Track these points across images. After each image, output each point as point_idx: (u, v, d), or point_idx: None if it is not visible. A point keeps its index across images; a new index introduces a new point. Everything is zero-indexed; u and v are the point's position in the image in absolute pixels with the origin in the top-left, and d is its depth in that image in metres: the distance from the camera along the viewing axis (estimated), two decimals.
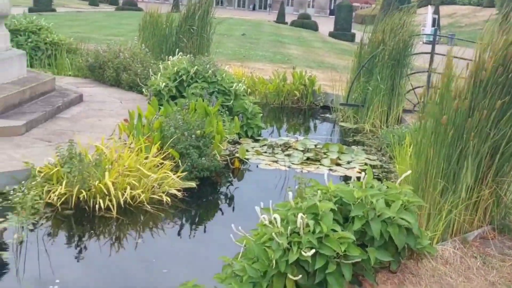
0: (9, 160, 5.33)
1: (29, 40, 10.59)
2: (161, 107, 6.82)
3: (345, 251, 3.00)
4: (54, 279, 3.57)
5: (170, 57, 8.87)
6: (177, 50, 9.49)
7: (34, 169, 4.96)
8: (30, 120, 6.46)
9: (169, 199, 5.01)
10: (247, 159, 6.54)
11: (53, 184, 4.84)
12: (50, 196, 4.70)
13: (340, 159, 6.80)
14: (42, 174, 4.92)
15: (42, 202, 4.62)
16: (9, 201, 4.56)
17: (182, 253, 4.29)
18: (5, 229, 4.27)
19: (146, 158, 5.30)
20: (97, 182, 4.73)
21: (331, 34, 32.45)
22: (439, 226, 4.14)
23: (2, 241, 4.09)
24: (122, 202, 4.73)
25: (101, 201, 4.65)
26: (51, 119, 6.99)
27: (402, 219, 3.24)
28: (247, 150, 6.74)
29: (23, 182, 4.80)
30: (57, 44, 10.87)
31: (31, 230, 4.29)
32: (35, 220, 4.41)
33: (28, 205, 4.42)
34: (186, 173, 5.49)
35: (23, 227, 4.27)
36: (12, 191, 4.65)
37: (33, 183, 4.77)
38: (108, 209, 4.65)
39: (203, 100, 6.81)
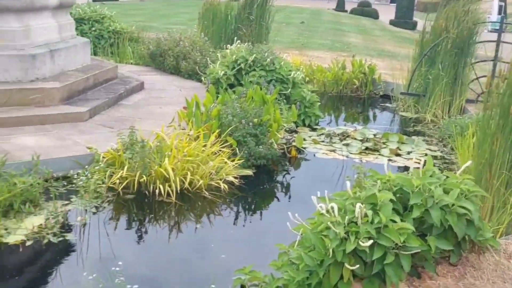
0: (74, 145, 5.51)
1: (93, 28, 10.91)
2: (219, 95, 6.88)
3: (404, 242, 2.94)
4: (116, 262, 3.67)
5: (229, 45, 8.92)
6: (235, 38, 9.52)
7: (97, 154, 5.11)
8: (93, 107, 6.66)
9: (226, 186, 5.05)
10: (304, 148, 6.51)
11: (115, 169, 4.98)
12: (112, 181, 4.83)
13: (400, 150, 6.67)
14: (105, 159, 5.07)
15: (105, 186, 4.76)
16: (74, 185, 4.73)
17: (239, 240, 4.34)
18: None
19: (205, 145, 5.37)
20: (157, 167, 4.83)
21: (391, 22, 31.73)
22: (503, 219, 4.00)
23: (67, 223, 4.24)
24: (180, 188, 4.82)
25: (161, 186, 4.75)
26: (114, 106, 7.18)
27: (462, 207, 3.14)
28: (304, 139, 6.71)
29: (86, 166, 4.96)
30: (120, 33, 11.15)
31: (94, 213, 4.43)
32: (98, 204, 4.56)
33: (91, 189, 4.58)
34: (243, 160, 5.52)
35: (86, 210, 4.42)
36: (76, 175, 4.82)
37: (96, 167, 4.93)
38: (167, 194, 4.75)
39: (261, 88, 6.82)
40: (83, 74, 7.29)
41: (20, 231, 4.01)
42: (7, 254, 3.77)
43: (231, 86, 7.71)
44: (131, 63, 10.56)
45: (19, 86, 6.37)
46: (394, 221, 3.02)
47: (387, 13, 35.08)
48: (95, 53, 10.35)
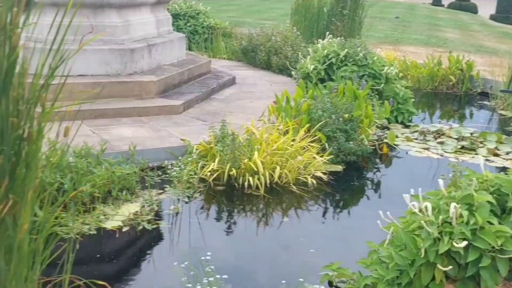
0: (168, 137, 5.71)
1: (188, 24, 11.23)
2: (309, 89, 6.85)
3: (501, 245, 2.81)
4: (206, 251, 3.76)
5: (320, 40, 8.86)
6: (327, 33, 9.45)
7: (191, 146, 5.26)
8: (187, 100, 6.86)
9: (314, 181, 5.04)
10: (396, 145, 6.36)
11: (206, 161, 5.10)
12: (203, 172, 4.96)
13: (498, 149, 6.35)
14: (197, 151, 5.21)
15: (197, 177, 4.89)
16: (167, 175, 4.89)
17: (327, 235, 4.31)
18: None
19: (293, 140, 5.38)
20: (246, 160, 4.91)
21: (492, 17, 30.25)
22: None
23: (161, 211, 4.40)
24: (269, 182, 4.86)
25: (250, 178, 4.81)
26: (206, 100, 7.35)
27: None
28: (396, 136, 6.55)
29: (180, 157, 5.12)
30: (213, 28, 11.41)
31: (186, 203, 4.56)
32: (190, 194, 4.69)
33: (184, 179, 4.72)
34: (332, 156, 5.48)
35: (178, 199, 4.57)
36: (170, 166, 4.99)
37: (189, 159, 5.07)
38: (256, 187, 4.81)
39: (352, 83, 6.74)
40: (178, 69, 7.52)
41: (117, 217, 4.20)
42: (106, 238, 3.96)
43: (322, 81, 7.65)
44: (224, 58, 10.77)
45: (118, 79, 6.68)
46: (491, 223, 2.89)
47: (488, 7, 33.46)
48: (190, 48, 10.64)
